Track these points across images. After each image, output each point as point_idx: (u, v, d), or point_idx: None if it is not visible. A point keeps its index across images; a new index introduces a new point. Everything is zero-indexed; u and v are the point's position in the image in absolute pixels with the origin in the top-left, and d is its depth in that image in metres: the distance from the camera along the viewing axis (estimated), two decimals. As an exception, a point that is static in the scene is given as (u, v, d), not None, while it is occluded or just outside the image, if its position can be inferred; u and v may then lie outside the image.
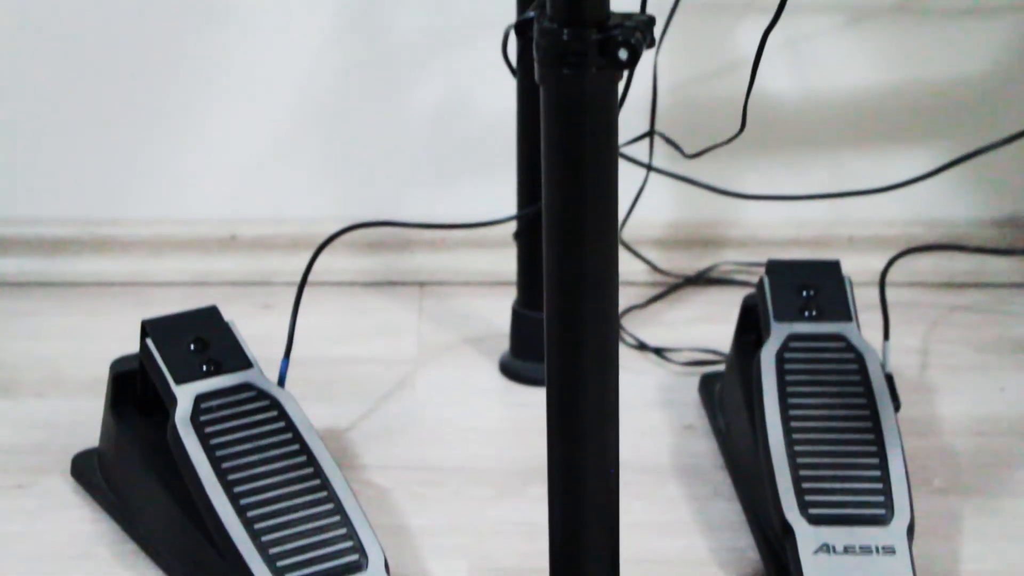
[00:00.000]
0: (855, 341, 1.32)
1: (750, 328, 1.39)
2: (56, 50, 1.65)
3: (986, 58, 1.66)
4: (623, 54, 0.93)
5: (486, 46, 1.54)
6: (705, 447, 1.41)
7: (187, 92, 1.67)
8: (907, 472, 1.22)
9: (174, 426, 1.21)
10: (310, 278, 1.38)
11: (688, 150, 1.31)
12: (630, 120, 1.37)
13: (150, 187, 1.70)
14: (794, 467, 1.22)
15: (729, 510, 1.32)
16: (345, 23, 1.65)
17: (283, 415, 1.24)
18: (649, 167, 1.58)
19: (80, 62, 1.65)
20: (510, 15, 1.48)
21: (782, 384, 1.29)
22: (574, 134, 0.96)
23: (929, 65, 1.66)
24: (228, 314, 1.30)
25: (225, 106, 1.67)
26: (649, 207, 1.65)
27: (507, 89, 1.50)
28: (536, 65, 0.95)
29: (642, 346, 1.55)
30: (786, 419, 1.26)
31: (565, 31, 0.92)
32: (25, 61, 1.65)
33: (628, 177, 1.56)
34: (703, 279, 1.68)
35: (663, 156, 1.60)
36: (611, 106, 0.97)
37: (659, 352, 1.54)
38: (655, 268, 1.68)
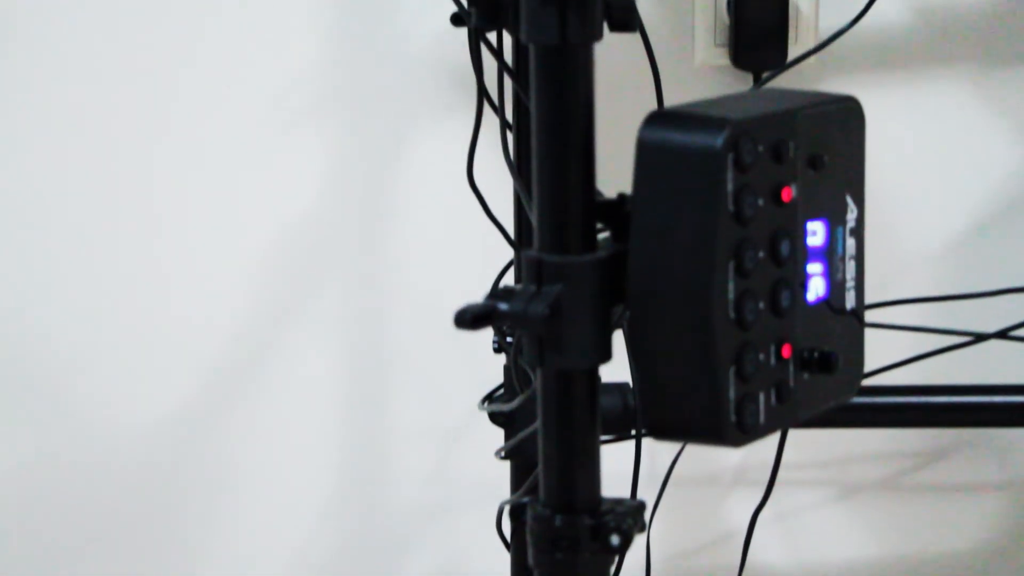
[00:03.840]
0: None
1: None
2: (46, 500, 1.66)
3: (975, 535, 1.67)
4: (615, 540, 0.94)
5: (480, 520, 1.55)
6: None
7: (181, 555, 1.67)
8: None
9: None
10: None
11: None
12: (623, 592, 1.37)
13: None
14: None
15: None
16: (340, 489, 1.66)
17: None
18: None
19: (71, 516, 1.66)
20: (504, 491, 1.49)
21: None
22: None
23: (919, 540, 1.67)
24: None
25: (219, 572, 1.67)
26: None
27: (501, 561, 1.50)
28: (530, 549, 0.96)
29: None
30: None
31: (558, 517, 0.94)
32: (17, 514, 1.66)
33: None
34: None
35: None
36: (606, 591, 0.97)
37: None
38: None
